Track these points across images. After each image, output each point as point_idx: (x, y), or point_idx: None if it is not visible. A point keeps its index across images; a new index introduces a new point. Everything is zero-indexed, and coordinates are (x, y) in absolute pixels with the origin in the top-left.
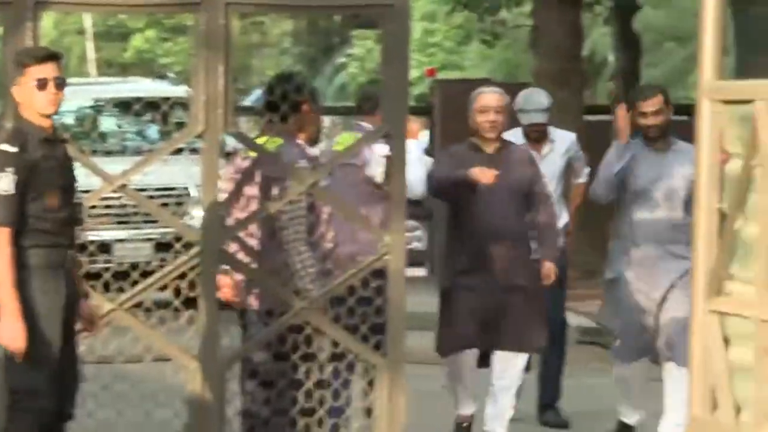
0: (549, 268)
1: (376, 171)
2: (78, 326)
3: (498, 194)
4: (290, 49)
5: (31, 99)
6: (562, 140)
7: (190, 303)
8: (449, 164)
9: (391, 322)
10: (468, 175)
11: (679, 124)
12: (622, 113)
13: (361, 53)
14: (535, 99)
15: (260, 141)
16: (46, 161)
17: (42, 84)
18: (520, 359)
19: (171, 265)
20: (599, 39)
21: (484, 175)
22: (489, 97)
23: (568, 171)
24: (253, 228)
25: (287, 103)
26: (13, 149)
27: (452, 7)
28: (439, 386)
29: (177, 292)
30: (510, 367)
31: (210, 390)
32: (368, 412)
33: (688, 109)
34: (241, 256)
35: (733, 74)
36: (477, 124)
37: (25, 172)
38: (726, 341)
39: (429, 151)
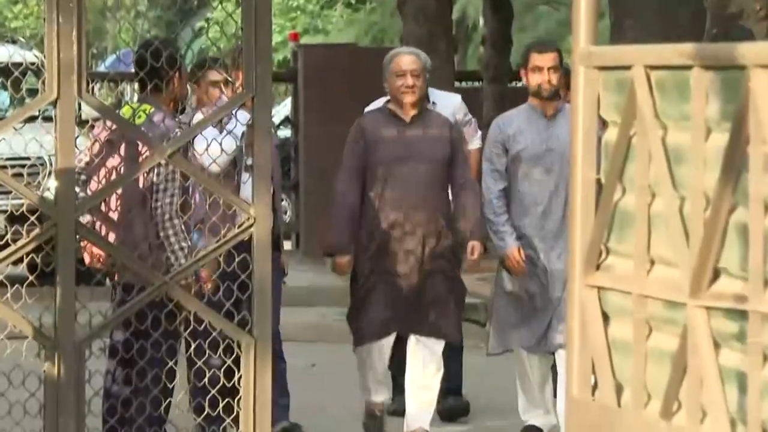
0: (474, 247)
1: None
2: None
3: (413, 165)
4: (146, 12)
5: None
6: (445, 103)
7: (47, 278)
8: (358, 159)
9: (257, 297)
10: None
11: None
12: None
13: (221, 17)
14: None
15: (128, 109)
16: None
17: None
18: (438, 347)
19: (25, 238)
20: (469, 1)
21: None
22: (405, 60)
23: None
24: (115, 200)
25: (160, 71)
26: None
27: None
28: (308, 364)
29: (32, 266)
30: (427, 360)
31: (67, 369)
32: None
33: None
34: (103, 229)
35: (609, 39)
36: (393, 89)
37: None
38: (605, 317)
39: (291, 119)
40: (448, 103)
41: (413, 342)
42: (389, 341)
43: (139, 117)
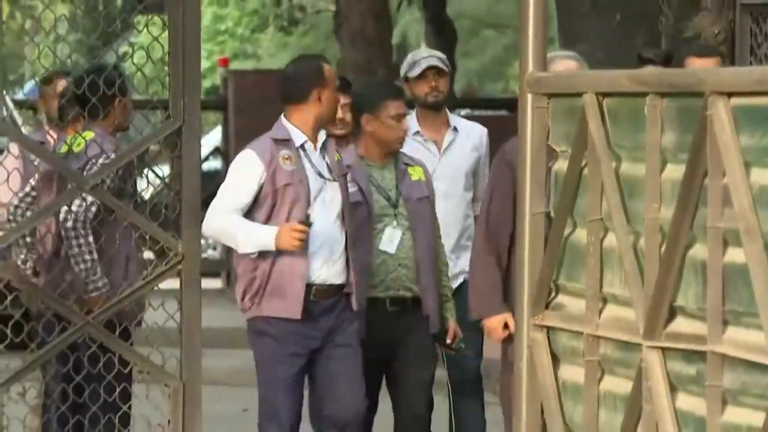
0: None
1: None
2: None
3: None
4: (66, 36)
5: None
6: (469, 132)
7: None
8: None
9: (186, 337)
10: None
11: (500, 120)
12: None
13: (146, 41)
14: (425, 50)
15: (69, 137)
16: None
17: None
18: None
19: None
20: (410, 25)
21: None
22: (566, 66)
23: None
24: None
25: (101, 96)
26: None
27: None
28: (240, 409)
29: None
30: None
31: None
32: None
33: (509, 103)
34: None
35: None
36: None
37: None
38: (555, 359)
39: (221, 149)
40: (474, 132)
41: None
42: None
43: (78, 144)
